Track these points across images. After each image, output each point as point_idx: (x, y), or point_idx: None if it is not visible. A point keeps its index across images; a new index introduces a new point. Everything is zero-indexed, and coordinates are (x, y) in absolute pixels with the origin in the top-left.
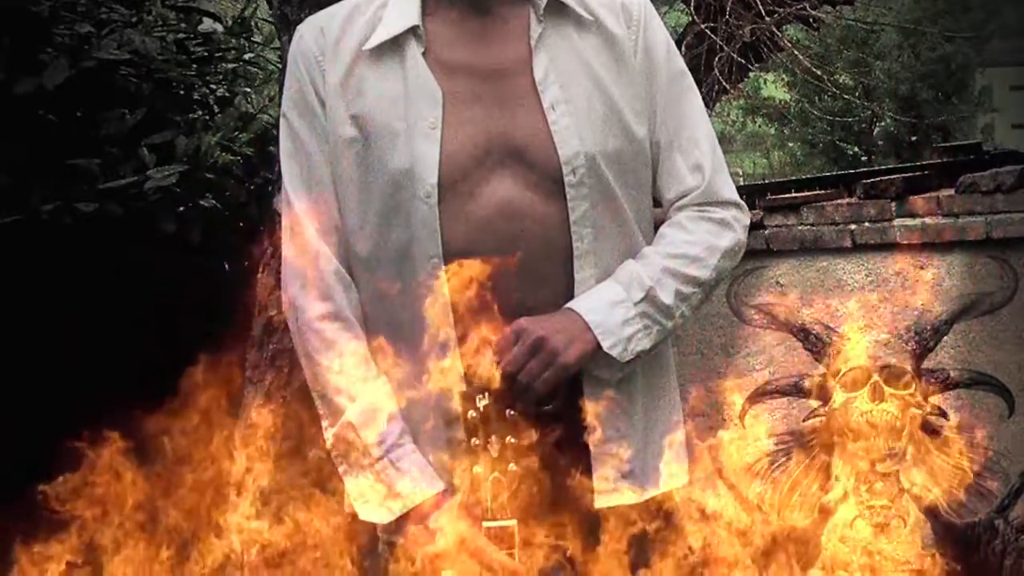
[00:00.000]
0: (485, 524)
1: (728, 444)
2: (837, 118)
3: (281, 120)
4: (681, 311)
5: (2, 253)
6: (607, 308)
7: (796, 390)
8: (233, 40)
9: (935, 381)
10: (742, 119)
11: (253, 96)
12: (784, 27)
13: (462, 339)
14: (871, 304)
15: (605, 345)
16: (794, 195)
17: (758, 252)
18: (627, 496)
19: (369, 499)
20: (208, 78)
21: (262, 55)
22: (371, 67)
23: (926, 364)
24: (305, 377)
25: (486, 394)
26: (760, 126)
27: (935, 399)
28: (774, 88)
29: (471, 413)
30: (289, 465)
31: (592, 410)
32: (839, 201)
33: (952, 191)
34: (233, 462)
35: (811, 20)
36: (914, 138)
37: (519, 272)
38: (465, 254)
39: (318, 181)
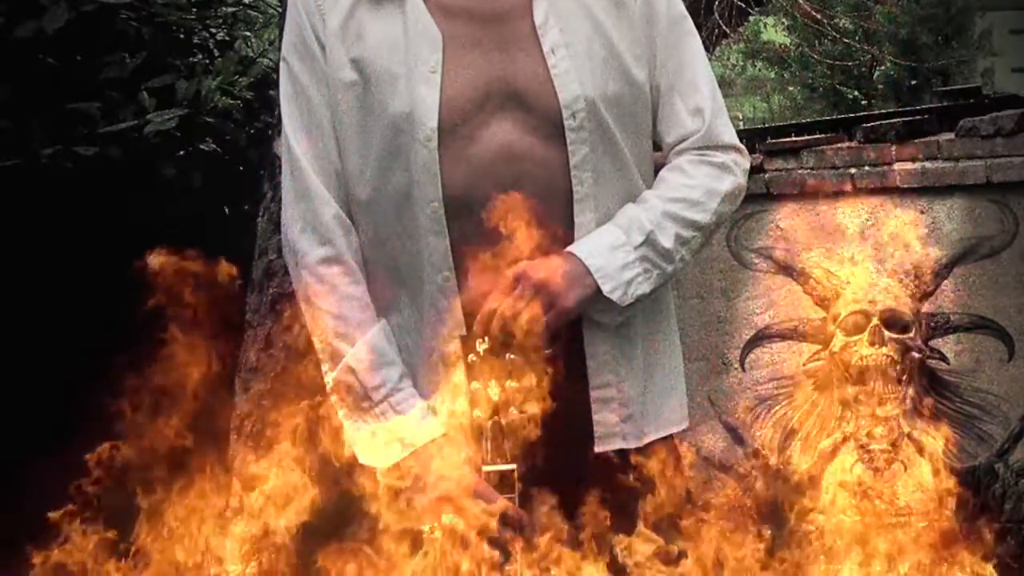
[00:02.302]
0: (485, 468)
1: (728, 388)
2: (837, 62)
3: (281, 64)
4: (681, 255)
5: (2, 197)
6: (607, 252)
7: (796, 334)
8: None
9: (935, 325)
10: (742, 63)
11: (253, 40)
12: None
13: (462, 283)
14: (871, 248)
15: (605, 289)
16: (794, 139)
17: (758, 196)
18: (627, 440)
19: (369, 443)
20: (208, 22)
21: None
22: (371, 11)
23: (926, 308)
24: (305, 321)
25: (486, 338)
26: (760, 70)
27: (935, 343)
28: (774, 32)
29: (471, 357)
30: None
31: (592, 354)
32: (839, 145)
33: (952, 135)
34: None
35: None
36: (914, 82)
37: (519, 216)
38: (465, 198)
39: (318, 125)
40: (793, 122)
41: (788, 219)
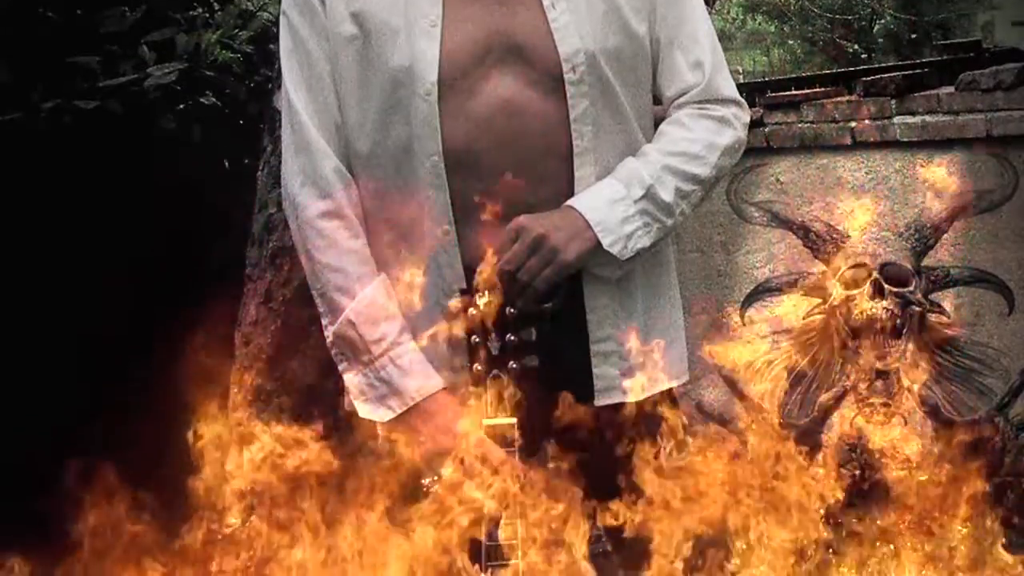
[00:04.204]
0: (485, 422)
1: (728, 342)
2: (837, 16)
3: (281, 18)
4: (681, 208)
5: (1, 150)
6: (607, 206)
7: (796, 288)
8: None
9: (935, 279)
10: (742, 17)
11: None
12: None
13: (462, 237)
14: (871, 202)
15: (605, 243)
16: (794, 93)
17: (758, 150)
18: (627, 394)
19: (369, 397)
20: None
21: None
22: None
23: (926, 262)
24: (305, 275)
25: (486, 292)
26: (760, 24)
27: (935, 297)
28: None
29: (471, 311)
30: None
31: (592, 308)
32: (839, 99)
33: (952, 89)
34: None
35: None
36: (914, 36)
37: (519, 170)
38: (465, 152)
39: (318, 79)
40: (793, 76)
41: (788, 173)
